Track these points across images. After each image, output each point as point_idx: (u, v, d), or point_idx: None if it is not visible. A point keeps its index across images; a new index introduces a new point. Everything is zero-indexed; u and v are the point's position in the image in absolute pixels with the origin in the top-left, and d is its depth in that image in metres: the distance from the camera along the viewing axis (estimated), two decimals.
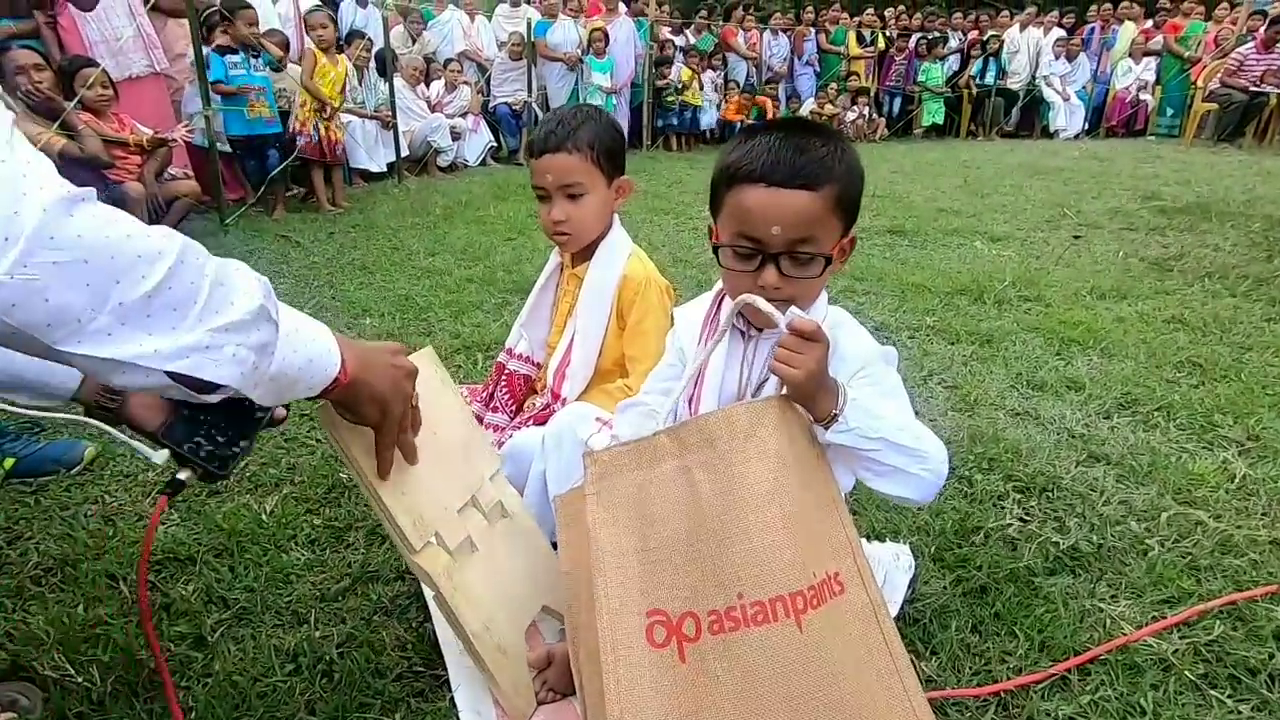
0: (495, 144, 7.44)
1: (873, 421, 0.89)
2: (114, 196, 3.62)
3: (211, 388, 0.68)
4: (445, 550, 1.02)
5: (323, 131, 4.71)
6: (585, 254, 1.54)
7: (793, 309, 0.92)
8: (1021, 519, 1.52)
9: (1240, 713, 1.05)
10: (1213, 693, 1.09)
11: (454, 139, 6.76)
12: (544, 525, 1.26)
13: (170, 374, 0.65)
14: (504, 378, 1.67)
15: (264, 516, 1.50)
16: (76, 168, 3.34)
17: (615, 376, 1.58)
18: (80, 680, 1.08)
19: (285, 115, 4.76)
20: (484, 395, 1.70)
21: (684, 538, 0.92)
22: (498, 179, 6.16)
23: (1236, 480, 1.64)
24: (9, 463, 1.63)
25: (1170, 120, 9.75)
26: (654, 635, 0.90)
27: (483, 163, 7.30)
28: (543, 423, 1.48)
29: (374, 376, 0.87)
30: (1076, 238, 4.10)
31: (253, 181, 4.66)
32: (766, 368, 0.93)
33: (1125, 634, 1.19)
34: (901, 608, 1.22)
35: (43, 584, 1.33)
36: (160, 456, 0.89)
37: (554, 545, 1.09)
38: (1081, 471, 1.70)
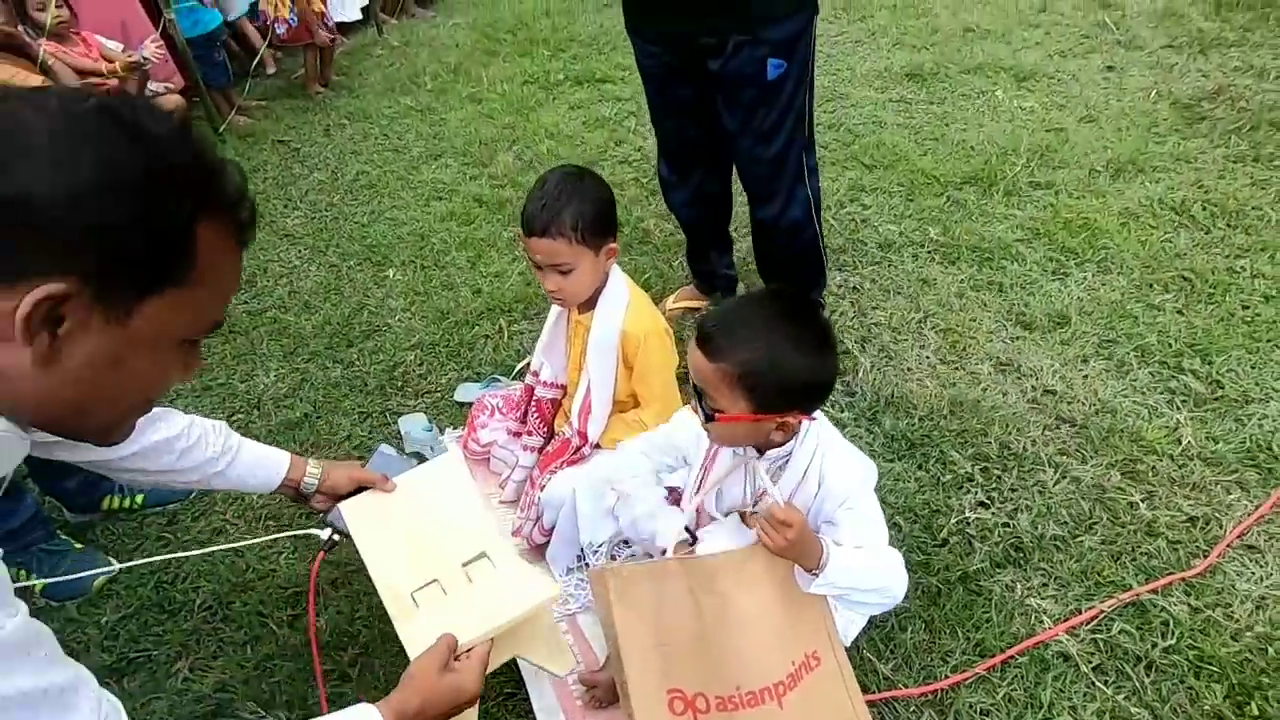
0: None
1: (846, 575, 1.18)
2: None
3: None
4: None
5: (303, 5, 4.34)
6: (589, 304, 1.71)
7: (772, 497, 1.16)
8: (983, 503, 1.80)
9: (1116, 701, 1.42)
10: (1099, 683, 1.44)
11: None
12: (568, 544, 1.66)
13: None
14: (533, 402, 1.91)
15: None
16: None
17: (630, 406, 1.82)
18: None
19: None
20: (519, 414, 1.96)
21: (692, 641, 1.25)
22: (483, 22, 5.65)
23: (1181, 446, 1.87)
24: (40, 584, 1.71)
25: None
26: (674, 707, 1.26)
27: None
28: (573, 464, 1.76)
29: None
30: (1110, 69, 3.82)
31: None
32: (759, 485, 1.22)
33: (1046, 629, 1.53)
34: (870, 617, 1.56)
35: (210, 622, 1.74)
36: (325, 533, 1.38)
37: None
38: (1046, 439, 1.94)
